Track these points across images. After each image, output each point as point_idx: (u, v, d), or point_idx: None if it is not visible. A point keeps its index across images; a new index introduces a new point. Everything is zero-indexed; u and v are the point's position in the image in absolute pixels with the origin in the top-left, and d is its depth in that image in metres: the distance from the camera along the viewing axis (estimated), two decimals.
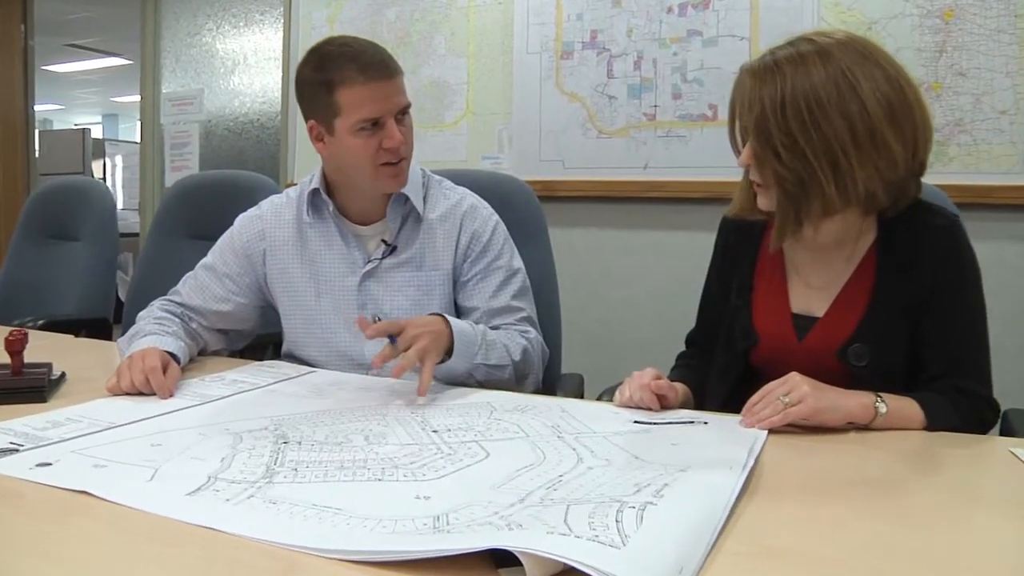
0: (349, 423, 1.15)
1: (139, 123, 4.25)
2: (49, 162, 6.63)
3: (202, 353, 1.66)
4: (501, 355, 1.50)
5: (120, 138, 10.87)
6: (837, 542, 0.79)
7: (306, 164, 3.40)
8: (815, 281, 1.36)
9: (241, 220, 1.70)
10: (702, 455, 1.01)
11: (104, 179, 8.53)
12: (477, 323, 1.60)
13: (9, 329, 1.38)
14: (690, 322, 1.58)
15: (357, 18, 3.33)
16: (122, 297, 2.74)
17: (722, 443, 1.08)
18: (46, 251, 2.82)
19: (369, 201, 1.60)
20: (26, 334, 1.35)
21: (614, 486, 0.87)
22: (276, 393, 1.37)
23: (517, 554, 0.67)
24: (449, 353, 1.40)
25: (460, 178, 1.76)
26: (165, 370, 1.35)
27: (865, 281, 1.31)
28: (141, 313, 1.63)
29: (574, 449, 1.03)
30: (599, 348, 2.86)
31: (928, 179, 1.32)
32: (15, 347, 1.32)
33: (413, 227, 1.61)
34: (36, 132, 5.26)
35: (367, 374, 1.54)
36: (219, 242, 1.70)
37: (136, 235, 4.75)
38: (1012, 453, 1.07)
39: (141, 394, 1.30)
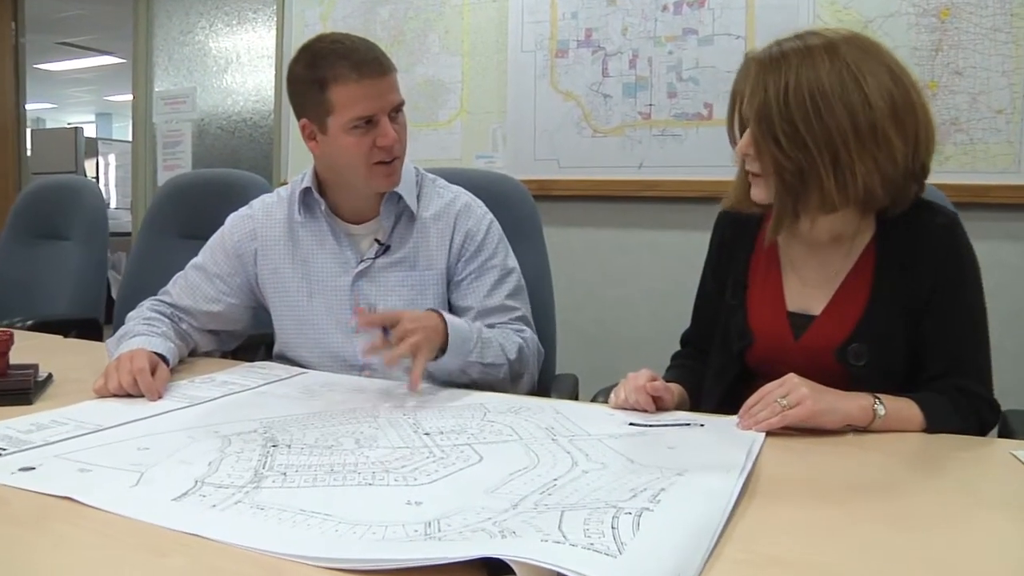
0: (340, 425, 1.14)
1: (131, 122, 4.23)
2: (41, 161, 6.59)
3: (192, 354, 1.64)
4: (496, 353, 1.48)
5: (114, 137, 10.84)
6: (838, 547, 0.77)
7: (299, 163, 3.37)
8: (811, 278, 1.35)
9: (232, 220, 1.68)
10: (699, 458, 1.00)
11: (97, 178, 8.50)
12: (475, 321, 1.59)
13: None
14: (685, 322, 1.57)
15: (350, 16, 3.31)
16: (115, 296, 2.71)
17: (719, 446, 1.06)
18: (36, 251, 2.79)
19: (362, 200, 1.58)
20: (11, 335, 1.33)
21: (610, 491, 0.85)
22: (266, 395, 1.35)
23: (510, 563, 0.65)
24: (443, 350, 1.39)
25: (454, 177, 1.74)
26: (154, 372, 1.33)
27: (863, 279, 1.29)
28: (130, 313, 1.61)
29: (568, 452, 1.02)
30: (594, 348, 2.84)
31: None
32: (0, 348, 1.30)
33: (406, 226, 1.59)
34: (28, 131, 5.22)
35: (360, 375, 1.52)
36: (210, 242, 1.68)
37: (130, 234, 4.72)
38: (1013, 455, 1.05)
39: (129, 396, 1.28)
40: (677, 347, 1.58)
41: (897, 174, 1.21)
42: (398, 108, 1.50)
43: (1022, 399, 1.42)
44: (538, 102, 2.96)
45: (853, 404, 1.15)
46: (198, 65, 3.97)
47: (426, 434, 1.10)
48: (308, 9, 3.43)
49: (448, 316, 1.42)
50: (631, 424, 1.18)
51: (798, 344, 1.31)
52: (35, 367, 1.35)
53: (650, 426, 1.17)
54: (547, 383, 1.69)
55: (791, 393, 1.13)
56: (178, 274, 1.68)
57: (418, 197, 1.60)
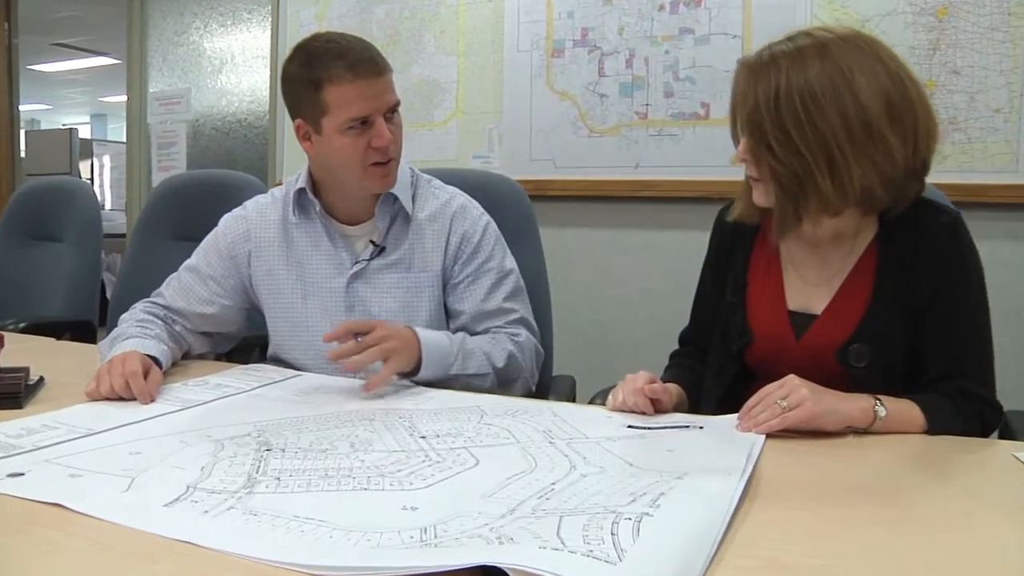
0: (335, 429, 1.12)
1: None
2: (35, 162, 6.57)
3: (186, 356, 1.63)
4: (480, 364, 1.47)
5: (109, 138, 10.81)
6: (839, 551, 0.76)
7: (294, 164, 3.36)
8: (812, 277, 1.33)
9: (226, 221, 1.67)
10: (699, 461, 0.98)
11: (92, 179, 8.48)
12: (470, 324, 1.57)
13: None
14: (683, 322, 1.56)
15: (346, 16, 3.29)
16: (110, 298, 2.69)
17: (719, 449, 1.05)
18: (29, 252, 2.78)
19: (357, 201, 1.56)
20: (1, 337, 1.31)
21: (608, 495, 0.84)
22: (260, 398, 1.33)
23: (508, 571, 0.64)
24: (419, 366, 1.40)
25: (450, 177, 1.73)
26: (146, 374, 1.31)
27: (865, 278, 1.28)
28: (123, 315, 1.59)
29: (566, 456, 1.00)
30: (591, 349, 2.83)
31: None
32: None
33: (402, 227, 1.58)
34: (22, 132, 5.20)
35: (355, 377, 1.50)
36: (203, 243, 1.67)
37: (124, 236, 4.70)
38: (1015, 457, 1.04)
39: (121, 399, 1.27)
40: (675, 347, 1.57)
41: (897, 173, 1.20)
42: (394, 108, 1.49)
43: (1019, 400, 1.41)
44: (534, 102, 2.95)
45: (854, 405, 1.13)
46: (193, 66, 3.96)
47: (422, 437, 1.09)
48: (303, 9, 3.41)
49: (422, 333, 1.42)
50: (630, 427, 1.16)
51: (799, 344, 1.30)
52: (26, 370, 1.33)
53: (649, 428, 1.16)
54: (544, 385, 1.68)
55: (791, 394, 1.12)
56: (171, 276, 1.66)
57: (413, 198, 1.59)
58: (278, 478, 0.91)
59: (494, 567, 0.65)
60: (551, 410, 1.25)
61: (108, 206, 8.62)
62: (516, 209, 1.84)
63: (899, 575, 0.72)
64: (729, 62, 2.65)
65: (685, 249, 2.70)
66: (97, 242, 2.77)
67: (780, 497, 0.90)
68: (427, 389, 1.40)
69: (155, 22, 4.05)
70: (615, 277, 2.90)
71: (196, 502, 0.84)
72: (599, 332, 2.90)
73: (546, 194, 2.84)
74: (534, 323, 1.64)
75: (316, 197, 1.57)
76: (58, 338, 2.01)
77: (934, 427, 1.15)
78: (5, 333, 1.35)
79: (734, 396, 1.31)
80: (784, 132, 1.17)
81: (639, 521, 0.74)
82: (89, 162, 8.48)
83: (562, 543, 0.68)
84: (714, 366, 1.42)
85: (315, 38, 1.49)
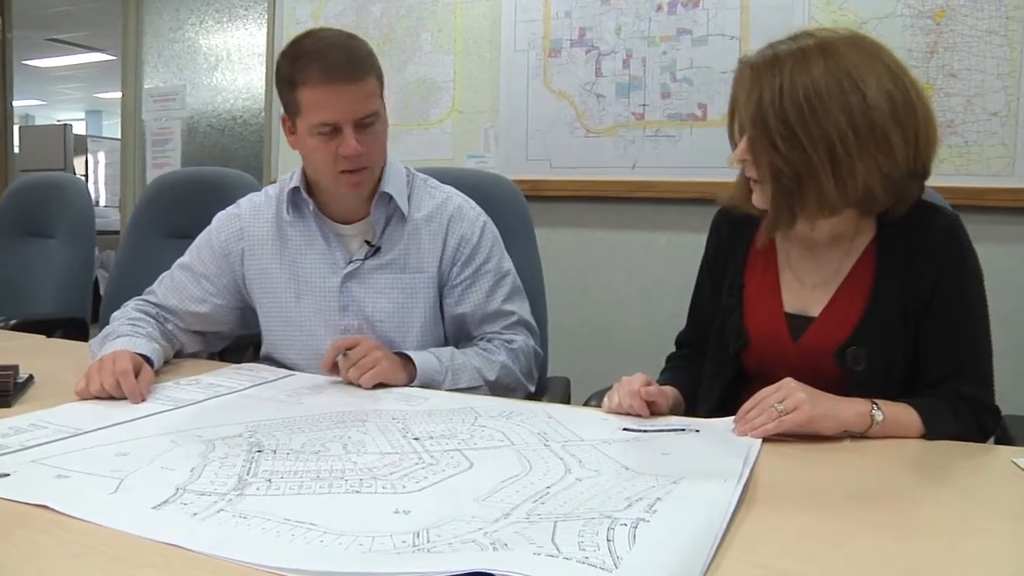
0: (327, 430, 1.11)
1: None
2: (29, 158, 6.54)
3: (178, 355, 1.61)
4: (471, 377, 1.47)
5: (104, 135, 10.79)
6: (838, 557, 0.75)
7: (290, 162, 3.34)
8: (809, 279, 1.32)
9: (219, 219, 1.65)
10: (695, 466, 0.97)
11: (87, 176, 8.46)
12: (468, 327, 1.57)
13: None
14: (679, 323, 1.55)
15: (342, 14, 3.28)
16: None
17: (715, 453, 1.04)
18: (21, 248, 2.76)
19: (349, 200, 1.55)
20: None
21: (604, 500, 0.83)
22: (253, 398, 1.32)
23: None
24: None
25: (446, 177, 1.71)
26: (137, 373, 1.30)
27: (863, 280, 1.27)
28: (115, 313, 1.58)
29: (561, 459, 0.99)
30: (586, 351, 2.82)
31: None
32: None
33: (397, 227, 1.56)
34: (15, 127, 5.17)
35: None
36: (196, 241, 1.65)
37: (119, 232, 4.67)
38: (1014, 463, 1.03)
39: (112, 399, 1.25)
40: (671, 349, 1.56)
41: (898, 174, 1.19)
42: (368, 117, 1.44)
43: (1016, 404, 1.41)
44: (531, 102, 2.94)
45: (851, 410, 1.13)
46: (188, 62, 3.93)
47: (415, 439, 1.07)
48: (299, 7, 3.39)
49: (412, 353, 1.44)
50: (625, 429, 1.15)
51: (796, 346, 1.29)
52: (15, 368, 1.32)
53: (645, 431, 1.14)
54: (539, 386, 1.67)
55: (788, 398, 1.11)
56: (164, 274, 1.65)
57: (409, 198, 1.57)
58: (269, 480, 0.90)
59: (488, 574, 0.63)
60: (546, 412, 1.24)
61: (103, 203, 8.60)
62: (512, 209, 1.83)
63: None
64: (727, 63, 2.64)
65: (682, 250, 2.69)
66: (90, 239, 2.75)
67: (777, 502, 0.89)
68: (421, 390, 1.39)
69: (150, 18, 4.02)
70: (611, 278, 2.89)
71: (185, 504, 0.82)
72: (594, 333, 2.89)
73: (542, 194, 2.83)
74: (533, 322, 1.64)
75: (310, 196, 1.55)
76: (49, 335, 1.99)
77: (932, 431, 1.15)
78: None
79: (731, 399, 1.30)
80: (789, 129, 1.16)
81: (635, 527, 0.73)
82: (83, 158, 8.46)
83: (557, 549, 0.67)
84: (710, 369, 1.41)
85: (308, 35, 1.47)
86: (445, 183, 1.66)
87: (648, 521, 0.75)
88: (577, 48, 2.86)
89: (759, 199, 1.26)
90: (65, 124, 7.75)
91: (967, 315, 1.24)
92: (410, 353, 1.44)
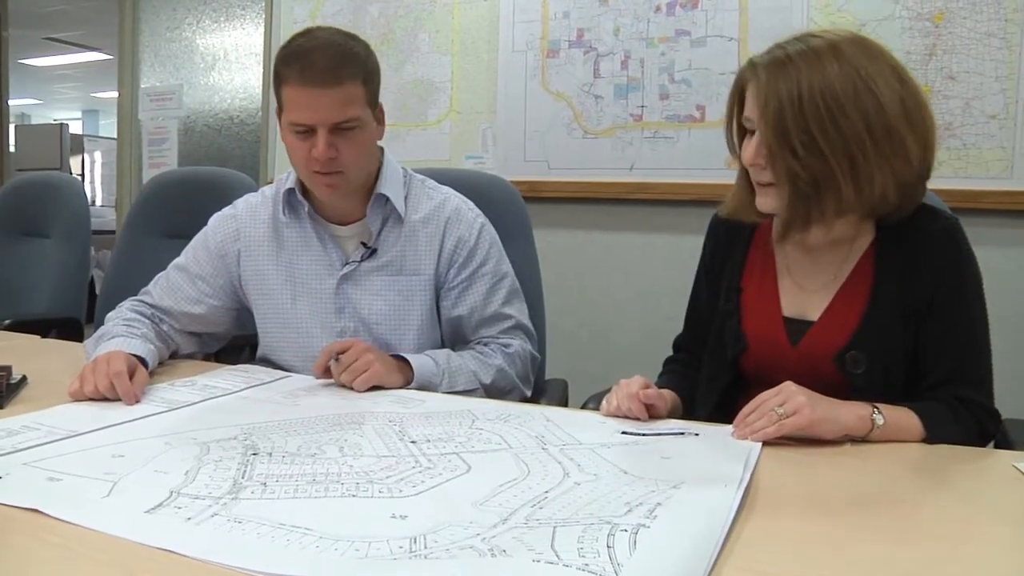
0: (323, 432, 1.10)
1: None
2: (25, 157, 6.52)
3: (174, 356, 1.60)
4: (468, 381, 1.46)
5: (100, 134, 10.77)
6: (840, 564, 0.74)
7: (287, 162, 3.30)
8: (808, 283, 1.31)
9: (215, 219, 1.64)
10: (695, 470, 0.96)
11: (83, 175, 8.44)
12: (465, 330, 1.55)
13: None
14: (677, 326, 1.54)
15: (339, 13, 3.27)
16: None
17: (715, 457, 1.03)
18: (16, 248, 2.74)
19: (345, 201, 1.54)
20: None
21: (603, 504, 0.82)
22: (248, 400, 1.31)
23: None
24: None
25: (444, 177, 1.70)
26: (132, 374, 1.29)
27: (862, 284, 1.26)
28: (110, 314, 1.57)
29: (560, 462, 0.98)
30: (584, 353, 2.81)
31: None
32: None
33: (394, 229, 1.55)
34: (12, 126, 5.15)
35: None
36: (193, 242, 1.64)
37: (115, 232, 4.66)
38: (1016, 467, 1.03)
39: (105, 400, 1.24)
40: (668, 352, 1.55)
41: (911, 177, 1.18)
42: (345, 123, 1.41)
43: (1015, 407, 1.40)
44: (528, 102, 2.93)
45: (851, 413, 1.12)
46: (185, 62, 3.92)
47: (412, 442, 1.06)
48: (297, 6, 3.38)
49: (409, 358, 1.43)
50: (624, 433, 1.14)
51: (795, 350, 1.28)
52: (8, 369, 1.30)
53: (643, 435, 1.14)
54: (537, 388, 1.66)
55: (788, 402, 1.10)
56: (159, 274, 1.64)
57: (406, 199, 1.56)
58: (264, 483, 0.89)
59: None
60: (543, 415, 1.23)
61: (99, 202, 8.59)
62: (510, 210, 1.82)
63: None
64: (726, 65, 2.64)
65: (679, 252, 2.69)
66: (85, 238, 2.74)
67: (778, 508, 0.88)
68: (417, 392, 1.38)
69: (147, 17, 4.01)
70: (609, 279, 2.88)
71: (179, 508, 0.81)
72: (592, 335, 2.88)
73: (540, 195, 2.82)
74: (530, 326, 1.62)
75: (305, 197, 1.54)
76: (44, 336, 1.98)
77: (932, 435, 1.14)
78: None
79: (729, 403, 1.29)
80: (808, 134, 1.14)
81: (635, 533, 0.72)
82: (80, 158, 8.44)
83: (557, 556, 0.66)
84: (708, 373, 1.40)
85: (304, 33, 1.45)
86: (443, 184, 1.65)
87: (648, 527, 0.74)
88: (575, 49, 2.85)
89: (770, 203, 1.23)
90: (61, 123, 7.72)
91: (966, 318, 1.23)
92: (406, 356, 1.43)
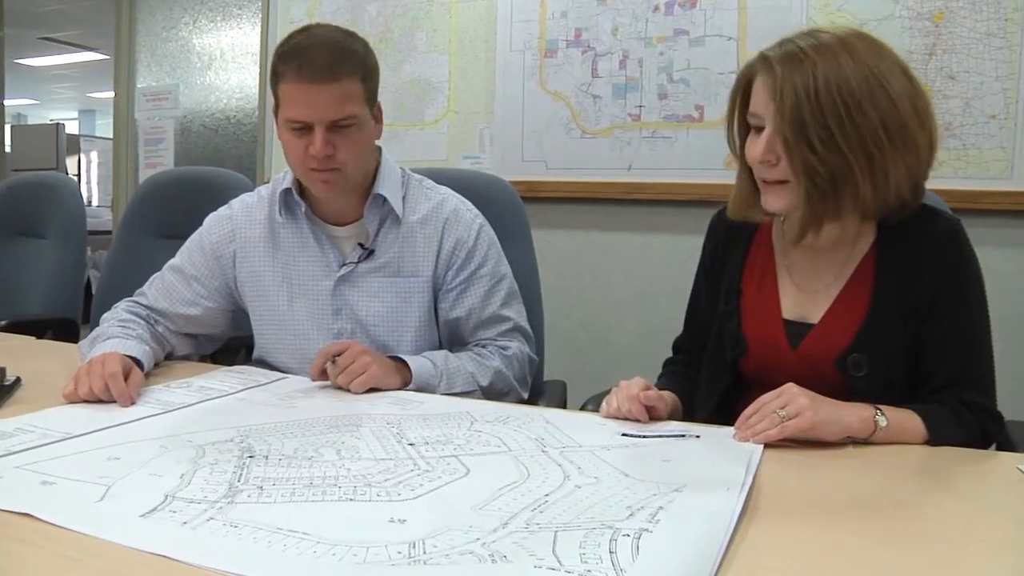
0: (320, 435, 1.09)
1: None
2: (21, 157, 6.51)
3: (169, 357, 1.59)
4: (466, 382, 1.45)
5: (97, 134, 10.75)
6: (843, 569, 0.74)
7: (283, 162, 3.30)
8: (809, 285, 1.30)
9: (211, 220, 1.63)
10: (697, 473, 0.95)
11: (79, 175, 8.42)
12: (462, 332, 1.54)
13: None
14: (676, 327, 1.53)
15: (337, 13, 3.25)
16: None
17: (717, 459, 1.02)
18: (11, 248, 2.72)
19: (342, 201, 1.52)
20: None
21: (604, 508, 0.81)
22: (245, 401, 1.29)
23: None
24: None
25: (442, 177, 1.69)
26: (127, 376, 1.27)
27: (863, 286, 1.25)
28: (105, 315, 1.55)
29: (560, 465, 0.97)
30: (582, 353, 2.80)
31: None
32: None
33: (391, 230, 1.54)
34: (8, 126, 5.13)
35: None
36: (188, 242, 1.63)
37: (111, 232, 4.64)
38: (1019, 470, 1.02)
39: (100, 402, 1.22)
40: (667, 353, 1.54)
41: (921, 174, 1.17)
42: (343, 120, 1.39)
43: (1016, 408, 1.39)
44: (526, 102, 2.92)
45: (854, 415, 1.11)
46: (181, 62, 3.91)
47: (410, 444, 1.05)
48: (294, 6, 3.37)
49: (407, 359, 1.41)
50: (624, 435, 1.13)
51: (796, 353, 1.27)
52: (2, 370, 1.29)
53: (644, 437, 1.12)
54: (535, 389, 1.66)
55: (790, 403, 1.09)
56: (154, 275, 1.62)
57: (404, 199, 1.55)
58: (261, 487, 0.88)
59: None
60: (543, 417, 1.21)
61: (95, 203, 8.58)
62: (508, 210, 1.81)
63: None
64: (724, 64, 2.63)
65: (678, 252, 2.68)
66: (81, 239, 2.72)
67: (780, 511, 0.87)
68: (415, 394, 1.37)
69: (144, 17, 3.99)
70: (607, 280, 2.87)
71: (174, 512, 0.80)
72: (591, 336, 2.87)
73: (538, 195, 2.81)
74: (528, 328, 1.61)
75: (302, 197, 1.53)
76: (39, 336, 1.97)
77: (935, 437, 1.13)
78: None
79: (729, 406, 1.28)
80: (826, 129, 1.12)
81: (638, 538, 0.71)
82: (76, 158, 8.43)
83: (558, 561, 0.65)
84: (708, 375, 1.39)
85: (302, 30, 1.44)
86: (441, 184, 1.63)
87: (651, 532, 0.73)
88: (573, 48, 2.84)
89: (780, 202, 1.21)
90: (57, 123, 7.71)
91: (968, 319, 1.22)
92: (404, 357, 1.42)
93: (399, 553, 0.70)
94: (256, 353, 1.62)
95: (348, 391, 1.34)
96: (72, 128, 10.73)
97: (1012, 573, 0.76)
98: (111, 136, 4.22)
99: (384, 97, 1.51)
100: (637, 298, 2.81)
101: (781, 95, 1.14)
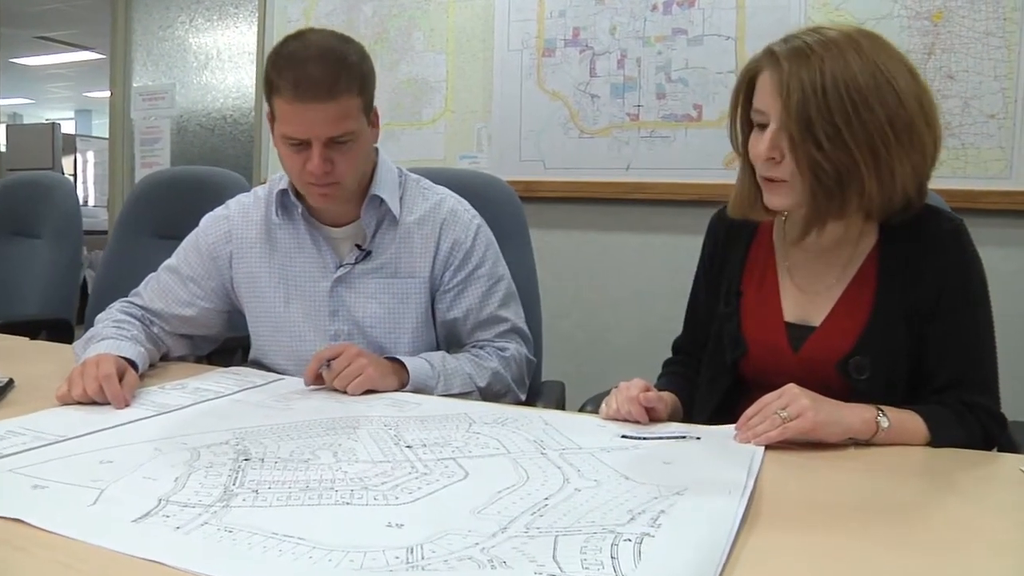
0: (317, 437, 1.07)
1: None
2: (17, 157, 6.49)
3: (165, 359, 1.57)
4: (464, 383, 1.44)
5: (94, 134, 10.72)
6: (848, 574, 0.72)
7: (280, 162, 3.30)
8: (810, 287, 1.29)
9: (207, 220, 1.61)
10: (698, 475, 0.94)
11: (75, 175, 8.40)
12: (460, 333, 1.53)
13: None
14: (675, 327, 1.52)
15: (333, 13, 3.24)
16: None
17: (718, 462, 1.01)
18: (6, 248, 2.71)
19: (339, 202, 1.51)
20: None
21: (605, 512, 0.79)
22: (241, 403, 1.28)
23: None
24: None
25: (439, 177, 1.67)
26: (121, 377, 1.26)
27: (866, 288, 1.24)
28: (100, 316, 1.54)
29: (559, 467, 0.96)
30: (581, 354, 2.79)
31: None
32: None
33: (388, 231, 1.52)
34: (3, 126, 5.12)
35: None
36: (184, 243, 1.61)
37: (107, 232, 4.62)
38: (1023, 471, 1.01)
39: (94, 404, 1.21)
40: (666, 353, 1.53)
41: (926, 174, 1.16)
42: (341, 136, 1.37)
43: (1016, 408, 1.38)
44: (524, 102, 2.91)
45: (856, 416, 1.10)
46: (178, 61, 3.89)
47: (408, 447, 1.04)
48: (290, 5, 3.35)
49: (404, 361, 1.40)
50: (624, 436, 1.12)
51: (797, 356, 1.26)
52: None
53: (644, 439, 1.11)
54: (533, 390, 1.64)
55: (791, 404, 1.08)
56: (150, 275, 1.61)
57: (401, 199, 1.54)
58: (256, 490, 0.87)
59: None
60: (542, 418, 1.20)
61: (92, 203, 8.55)
62: (506, 210, 1.79)
63: None
64: (723, 63, 2.62)
65: (677, 252, 2.67)
66: (76, 239, 2.71)
67: (782, 514, 0.86)
68: (412, 395, 1.35)
69: (140, 16, 3.98)
70: (605, 280, 2.86)
71: (168, 517, 0.79)
72: (589, 336, 2.86)
73: (535, 195, 2.80)
74: (526, 329, 1.60)
75: (299, 199, 1.51)
76: (33, 337, 1.95)
77: (937, 439, 1.12)
78: None
79: (729, 407, 1.27)
80: (833, 126, 1.10)
81: (640, 543, 0.70)
82: (72, 158, 8.40)
83: (559, 567, 0.64)
84: (708, 376, 1.38)
85: (297, 36, 1.41)
86: (438, 184, 1.62)
87: (653, 536, 0.72)
88: (571, 48, 2.83)
89: (784, 200, 1.19)
90: (53, 123, 7.68)
91: (971, 320, 1.21)
92: (402, 358, 1.41)
93: (397, 558, 0.69)
94: (252, 355, 1.61)
95: (345, 393, 1.33)
96: (68, 128, 10.70)
97: (1014, 575, 0.75)
98: (108, 136, 4.20)
99: (381, 97, 1.50)
100: (635, 298, 2.80)
101: (788, 91, 1.12)
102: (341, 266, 1.51)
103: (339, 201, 1.47)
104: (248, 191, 1.65)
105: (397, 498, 0.85)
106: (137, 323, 1.52)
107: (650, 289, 2.76)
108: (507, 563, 0.66)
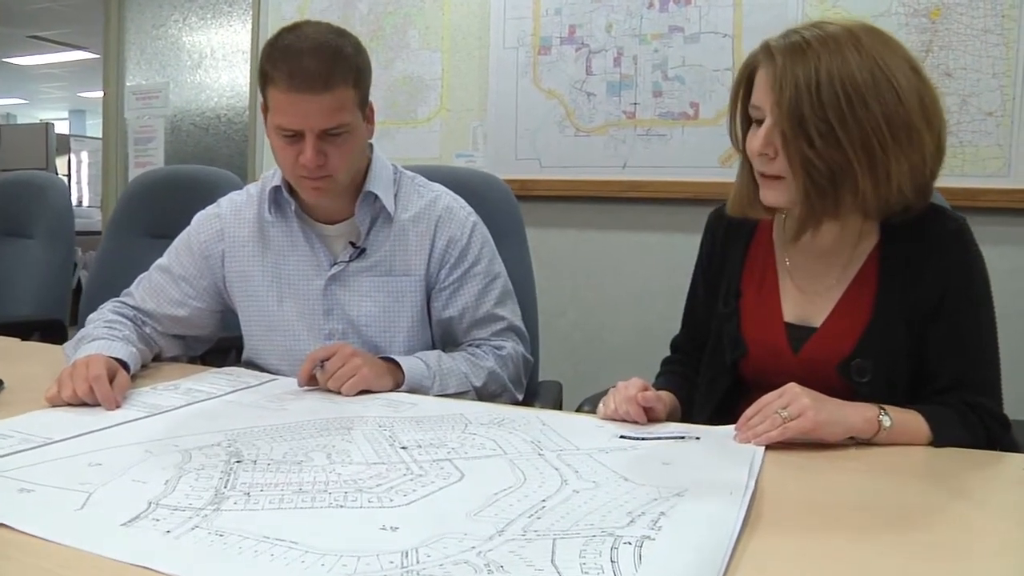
0: (310, 438, 1.06)
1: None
2: (10, 157, 6.46)
3: (157, 359, 1.55)
4: (460, 383, 1.42)
5: (88, 134, 10.69)
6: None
7: (274, 160, 3.27)
8: (810, 287, 1.27)
9: (199, 219, 1.59)
10: (698, 476, 0.93)
11: (69, 175, 8.38)
12: (456, 331, 1.52)
13: None
14: (672, 326, 1.51)
15: (328, 10, 3.22)
16: None
17: (718, 462, 0.99)
18: None
19: (333, 199, 1.49)
20: None
21: (604, 514, 0.78)
22: (233, 404, 1.26)
23: None
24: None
25: (435, 175, 1.66)
26: (112, 378, 1.24)
27: (867, 289, 1.22)
28: (91, 316, 1.52)
29: (557, 469, 0.94)
30: (578, 354, 2.78)
31: None
32: None
33: (383, 228, 1.51)
34: None
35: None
36: (175, 242, 1.59)
37: (100, 233, 4.59)
38: None
39: (84, 405, 1.19)
40: (664, 352, 1.51)
41: (926, 174, 1.15)
42: (334, 128, 1.36)
43: (1017, 408, 1.37)
44: (520, 100, 2.89)
45: (858, 415, 1.08)
46: (171, 60, 3.87)
47: (403, 448, 1.02)
48: (285, 3, 3.34)
49: (399, 360, 1.39)
50: (622, 437, 1.11)
51: (797, 358, 1.24)
52: None
53: (642, 439, 1.10)
54: (530, 390, 1.63)
55: (792, 404, 1.06)
56: (142, 275, 1.59)
57: (396, 196, 1.52)
58: (248, 493, 0.85)
59: None
60: (539, 419, 1.19)
61: (86, 203, 8.53)
62: (503, 209, 1.78)
63: None
64: (719, 61, 2.61)
65: (674, 251, 2.65)
66: (69, 239, 2.69)
67: (784, 518, 0.85)
68: (408, 395, 1.34)
69: (133, 15, 3.96)
70: (602, 279, 2.84)
71: (157, 520, 0.77)
72: (586, 336, 2.84)
73: (531, 194, 2.78)
74: (523, 327, 1.58)
75: (292, 196, 1.50)
76: (26, 338, 1.93)
77: (939, 439, 1.10)
78: None
79: (729, 407, 1.25)
80: (826, 123, 1.09)
81: (640, 546, 0.68)
82: (66, 158, 8.38)
83: (557, 572, 0.63)
84: (707, 377, 1.36)
85: (292, 29, 1.40)
86: (433, 181, 1.60)
87: (653, 539, 0.71)
88: (567, 46, 2.82)
89: (778, 197, 1.18)
90: (47, 123, 7.65)
91: (974, 321, 1.19)
92: (397, 358, 1.39)
93: (391, 563, 0.68)
94: (245, 355, 1.59)
95: (339, 393, 1.31)
96: (63, 128, 10.67)
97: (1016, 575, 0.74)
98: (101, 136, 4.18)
99: (376, 95, 1.48)
100: (632, 297, 2.79)
101: (781, 87, 1.11)
102: (335, 264, 1.49)
103: (332, 195, 1.45)
104: (239, 190, 1.63)
105: (392, 500, 0.83)
106: (129, 323, 1.50)
107: (647, 288, 2.74)
108: (504, 567, 0.65)
